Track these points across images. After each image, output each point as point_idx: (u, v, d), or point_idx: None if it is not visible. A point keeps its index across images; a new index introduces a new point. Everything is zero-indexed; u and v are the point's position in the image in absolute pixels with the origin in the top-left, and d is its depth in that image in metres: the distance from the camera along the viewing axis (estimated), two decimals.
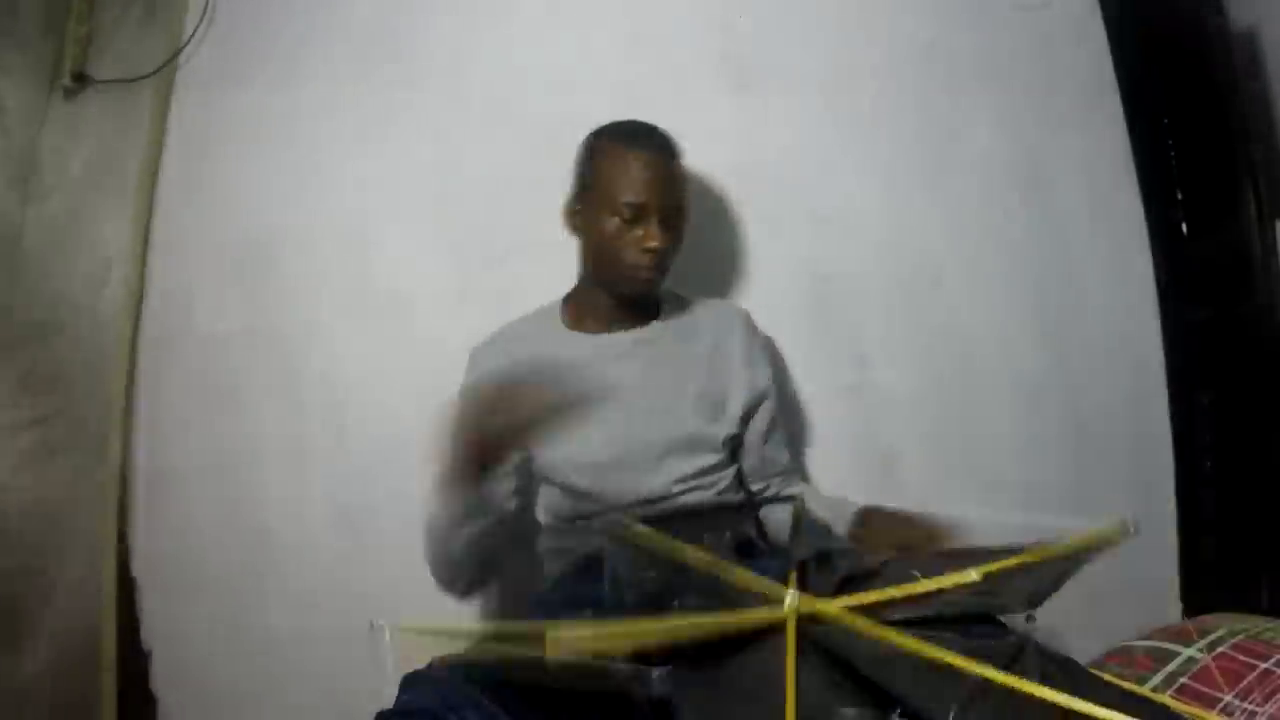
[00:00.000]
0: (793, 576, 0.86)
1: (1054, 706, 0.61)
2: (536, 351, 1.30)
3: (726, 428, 1.30)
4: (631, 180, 1.22)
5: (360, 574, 1.53)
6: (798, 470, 1.44)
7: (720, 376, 1.31)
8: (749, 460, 1.34)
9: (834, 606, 0.80)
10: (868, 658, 0.73)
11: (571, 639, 0.67)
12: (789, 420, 1.46)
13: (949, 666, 0.68)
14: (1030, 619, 0.76)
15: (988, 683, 0.65)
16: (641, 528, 0.91)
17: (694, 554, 0.89)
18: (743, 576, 0.85)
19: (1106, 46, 1.61)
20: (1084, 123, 1.61)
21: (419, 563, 1.51)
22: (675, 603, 0.80)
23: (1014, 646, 0.74)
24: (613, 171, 1.24)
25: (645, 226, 1.23)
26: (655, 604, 0.79)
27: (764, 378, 1.35)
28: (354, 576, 1.53)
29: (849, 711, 0.62)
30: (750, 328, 1.38)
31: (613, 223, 1.23)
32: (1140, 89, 1.59)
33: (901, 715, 0.58)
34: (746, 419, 1.33)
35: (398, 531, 1.52)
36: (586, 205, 1.28)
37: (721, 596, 0.82)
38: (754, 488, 1.35)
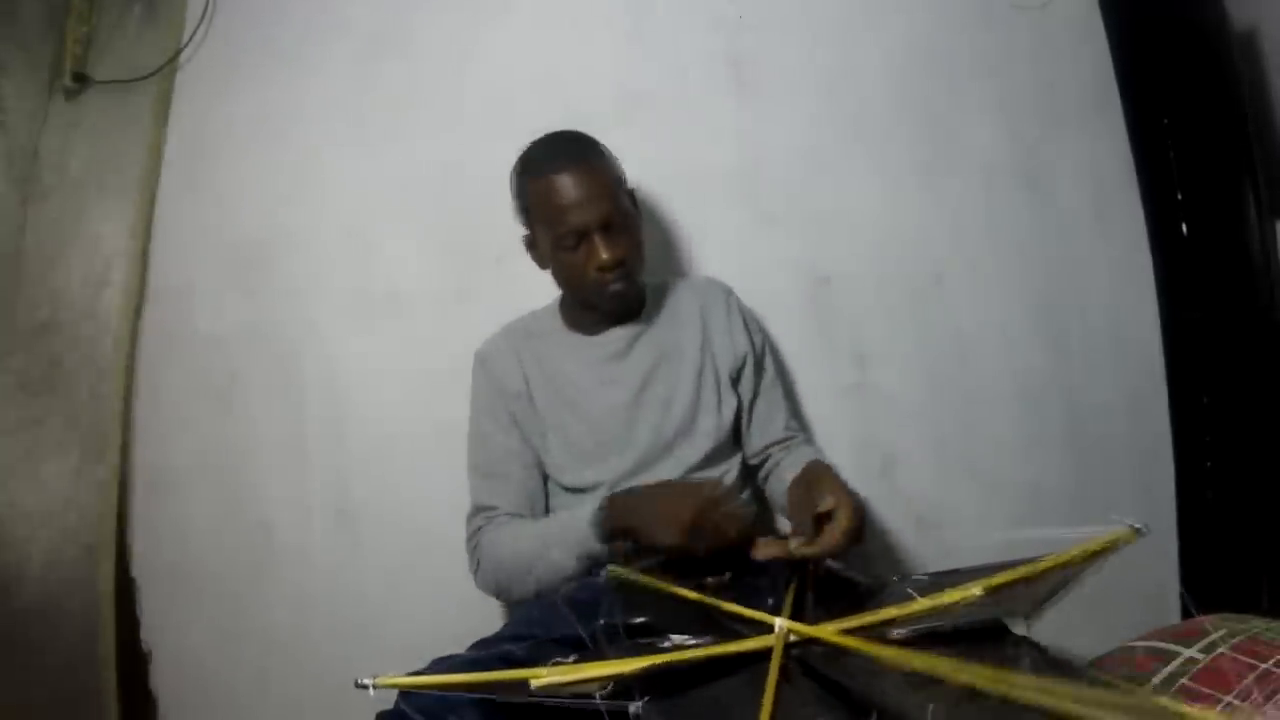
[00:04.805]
0: (788, 603, 0.86)
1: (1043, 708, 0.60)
2: (543, 353, 1.30)
3: (726, 405, 1.31)
4: (560, 208, 1.19)
5: (360, 574, 1.53)
6: (800, 434, 1.40)
7: (713, 357, 1.33)
8: (747, 427, 1.35)
9: (826, 631, 0.79)
10: (856, 673, 0.73)
11: (556, 684, 0.69)
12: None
13: (936, 675, 0.68)
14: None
15: (974, 688, 0.65)
16: (636, 575, 0.93)
17: (687, 592, 0.91)
18: (735, 609, 0.86)
19: (1106, 46, 1.61)
20: (1084, 123, 1.61)
21: (418, 563, 1.52)
22: (667, 641, 0.81)
23: (1008, 653, 0.73)
24: (541, 205, 1.22)
25: (591, 245, 1.21)
26: (648, 645, 0.79)
27: (743, 343, 1.35)
28: (354, 576, 1.53)
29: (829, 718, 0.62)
30: (728, 300, 1.39)
31: (562, 253, 1.22)
32: (1140, 89, 1.59)
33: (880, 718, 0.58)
34: (735, 387, 1.34)
35: (398, 531, 1.53)
36: (535, 242, 1.29)
37: (714, 628, 0.83)
38: (755, 460, 1.36)
